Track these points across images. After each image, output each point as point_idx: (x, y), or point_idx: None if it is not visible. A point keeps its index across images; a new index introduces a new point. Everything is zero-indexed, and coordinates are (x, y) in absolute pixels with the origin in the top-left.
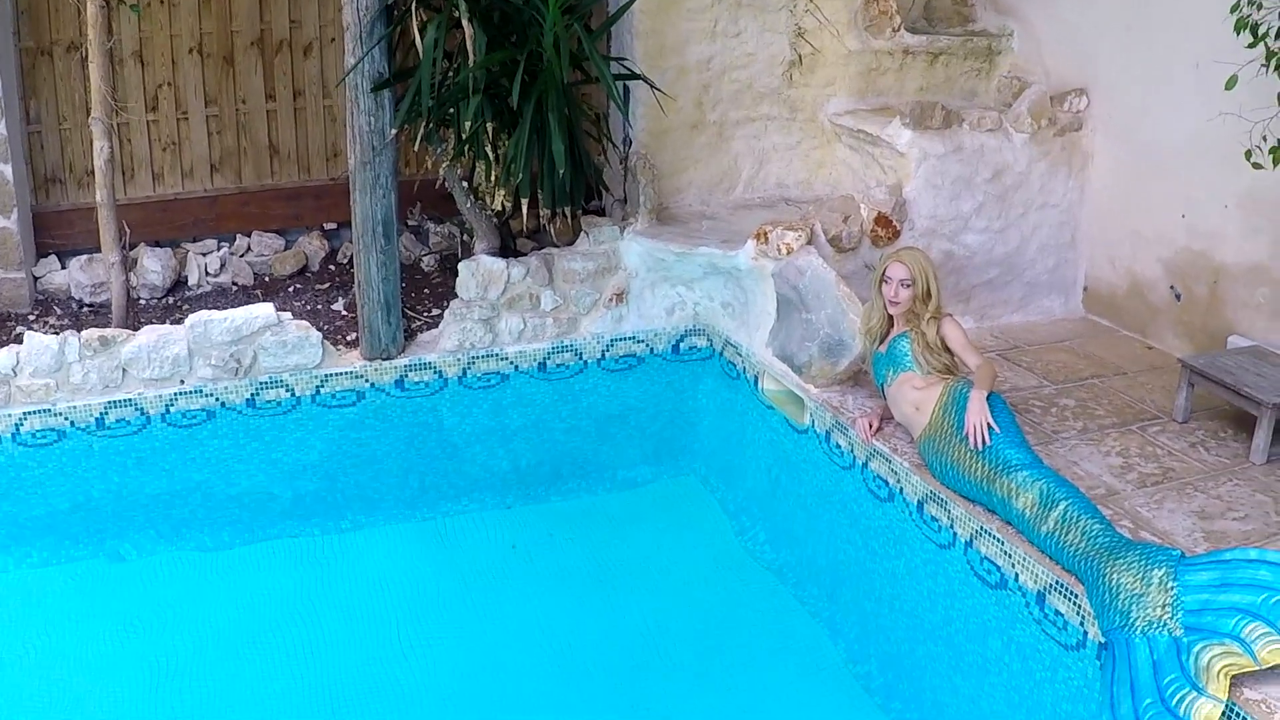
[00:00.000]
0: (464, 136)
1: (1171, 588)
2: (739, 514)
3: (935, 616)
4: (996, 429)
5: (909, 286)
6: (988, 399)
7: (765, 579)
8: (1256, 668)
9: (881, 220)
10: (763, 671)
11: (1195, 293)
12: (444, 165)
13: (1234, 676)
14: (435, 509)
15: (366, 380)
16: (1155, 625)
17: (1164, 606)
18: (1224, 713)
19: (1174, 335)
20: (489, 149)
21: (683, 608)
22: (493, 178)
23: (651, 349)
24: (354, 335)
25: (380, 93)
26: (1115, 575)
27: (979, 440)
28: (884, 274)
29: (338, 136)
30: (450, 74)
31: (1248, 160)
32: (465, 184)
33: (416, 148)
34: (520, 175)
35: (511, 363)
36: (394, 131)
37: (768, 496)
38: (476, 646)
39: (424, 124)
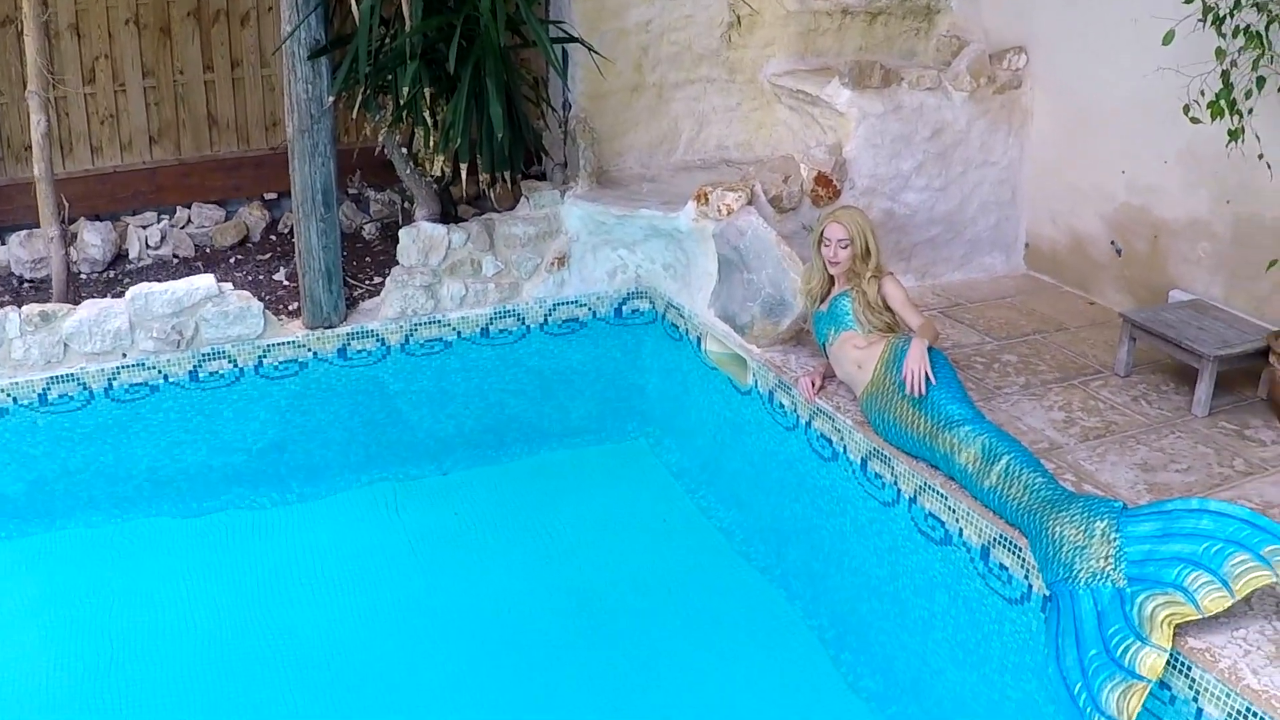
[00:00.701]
0: (402, 103)
1: (1114, 539)
2: (685, 475)
3: (881, 573)
4: (933, 380)
5: (847, 246)
6: (934, 357)
7: (713, 538)
8: (1200, 616)
9: (822, 180)
10: (713, 629)
11: (1136, 248)
12: (383, 132)
13: (1177, 626)
14: (381, 476)
15: (309, 350)
16: (1099, 576)
17: (1107, 558)
18: (1168, 662)
19: (1115, 290)
20: (427, 115)
21: (632, 568)
22: (431, 143)
23: (594, 312)
24: (296, 305)
25: (317, 60)
26: (1058, 528)
27: (916, 388)
28: (822, 235)
29: (276, 106)
30: (387, 40)
31: (1186, 115)
32: (404, 150)
33: (355, 115)
34: (459, 140)
35: (454, 329)
36: (331, 99)
37: (713, 457)
38: (425, 611)
39: (362, 91)
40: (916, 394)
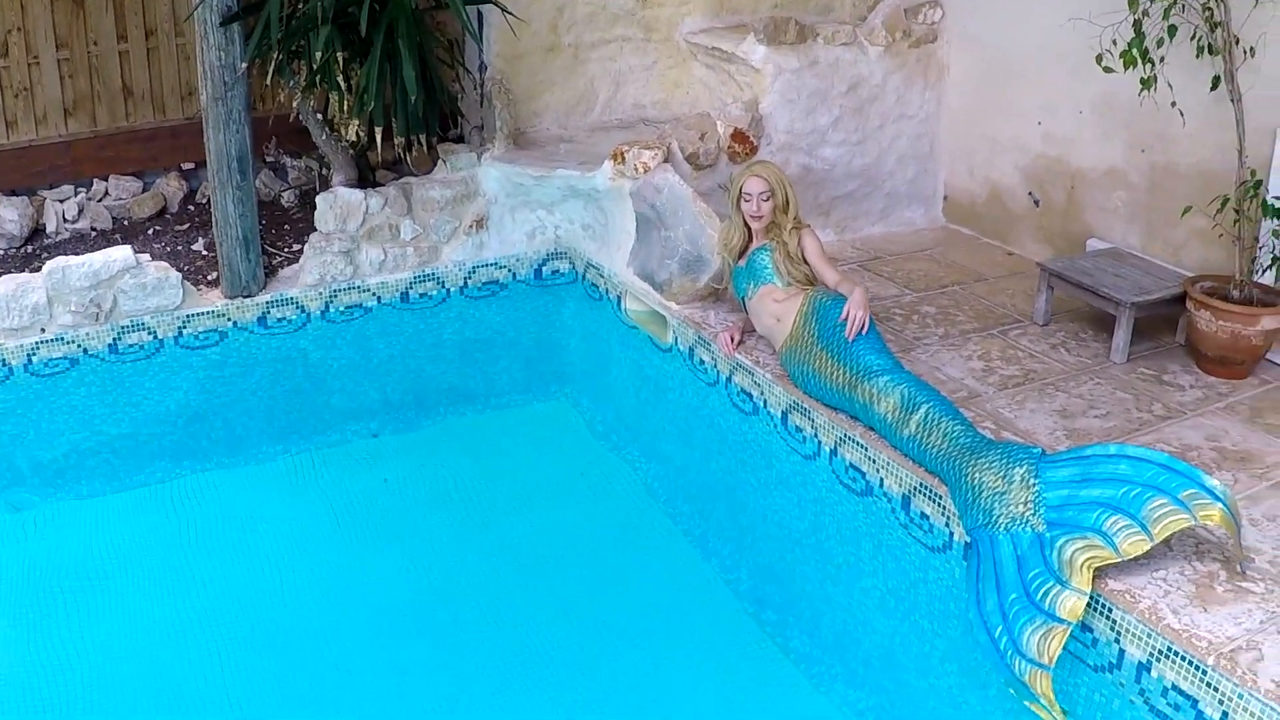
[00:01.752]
0: (315, 68)
1: (1033, 484)
2: (609, 434)
3: (804, 525)
4: (865, 330)
5: (769, 199)
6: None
7: (637, 496)
8: (1118, 559)
9: (738, 136)
10: (639, 587)
11: (1053, 198)
12: (297, 98)
13: (1097, 569)
14: (305, 444)
15: (229, 319)
16: (1018, 522)
17: (1026, 503)
18: (1088, 604)
19: (1034, 241)
20: (341, 79)
21: (557, 528)
22: (346, 108)
23: (514, 274)
24: (215, 275)
25: (229, 27)
26: (977, 475)
27: (855, 329)
28: (742, 191)
29: (192, 75)
30: (299, 5)
31: (1099, 65)
32: (319, 116)
33: (269, 82)
34: (373, 104)
35: (374, 294)
36: (244, 65)
37: (636, 415)
38: (353, 577)
39: (275, 57)
40: (852, 336)
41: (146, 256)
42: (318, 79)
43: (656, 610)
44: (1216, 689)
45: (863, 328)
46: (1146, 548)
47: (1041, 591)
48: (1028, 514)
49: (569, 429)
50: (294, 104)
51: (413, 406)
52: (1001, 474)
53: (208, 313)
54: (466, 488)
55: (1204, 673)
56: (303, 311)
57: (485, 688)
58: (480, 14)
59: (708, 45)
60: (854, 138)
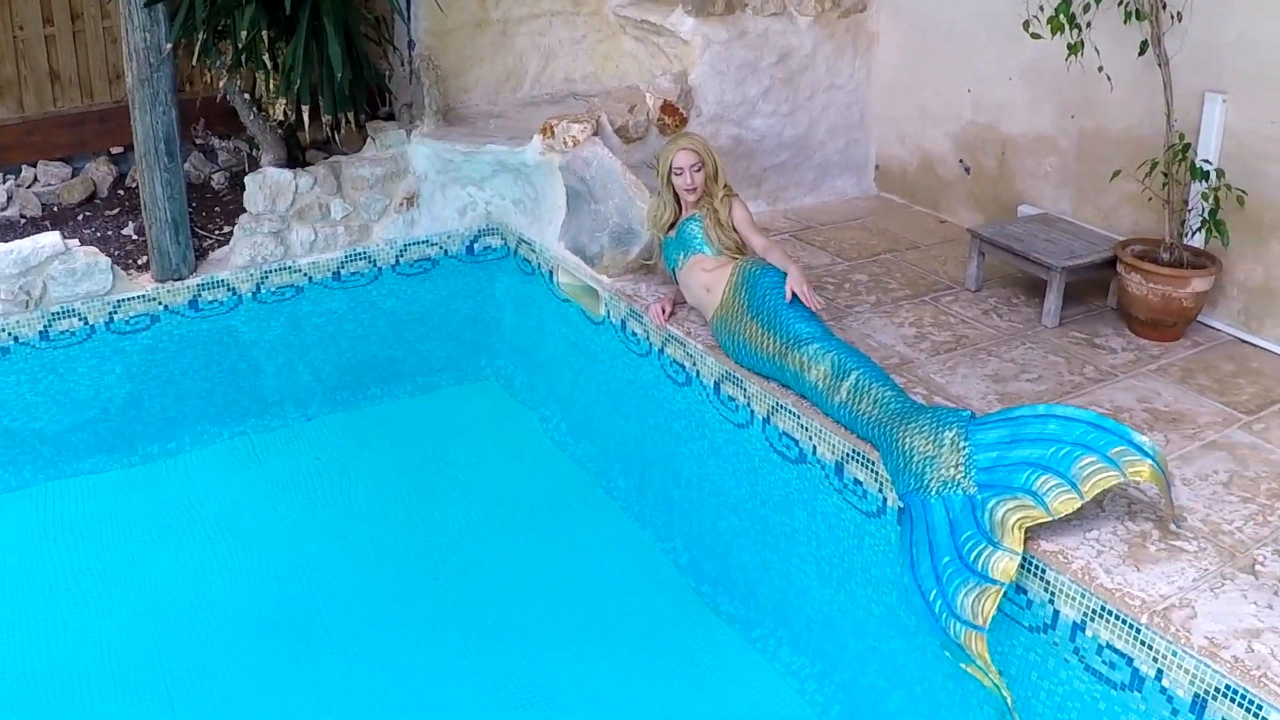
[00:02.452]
0: (241, 47)
1: (963, 447)
2: (543, 408)
3: (740, 493)
4: (814, 304)
5: (700, 169)
6: (780, 277)
7: (572, 471)
8: (1049, 518)
9: (668, 108)
10: (577, 559)
11: (984, 165)
12: (223, 78)
13: (1028, 529)
14: (240, 427)
15: (160, 303)
16: (949, 485)
17: (957, 466)
18: (1021, 565)
19: (966, 208)
20: (267, 58)
21: (495, 505)
22: (272, 87)
23: (446, 251)
24: (145, 259)
25: (154, 7)
26: (908, 439)
27: (813, 302)
28: (672, 165)
29: (119, 58)
30: None
31: (1027, 31)
32: (247, 96)
33: (195, 62)
34: (299, 83)
35: (305, 274)
36: (169, 46)
37: (570, 389)
38: (291, 559)
39: (200, 37)
40: (817, 306)
41: (76, 242)
42: (243, 58)
43: (595, 581)
44: (1150, 647)
45: (815, 300)
46: (1077, 505)
47: (974, 553)
48: (959, 477)
49: (503, 404)
50: (221, 85)
51: (347, 385)
52: (932, 438)
53: (138, 297)
54: (402, 465)
55: (1138, 631)
56: (234, 293)
57: (425, 663)
58: None
59: (636, 18)
60: (784, 108)
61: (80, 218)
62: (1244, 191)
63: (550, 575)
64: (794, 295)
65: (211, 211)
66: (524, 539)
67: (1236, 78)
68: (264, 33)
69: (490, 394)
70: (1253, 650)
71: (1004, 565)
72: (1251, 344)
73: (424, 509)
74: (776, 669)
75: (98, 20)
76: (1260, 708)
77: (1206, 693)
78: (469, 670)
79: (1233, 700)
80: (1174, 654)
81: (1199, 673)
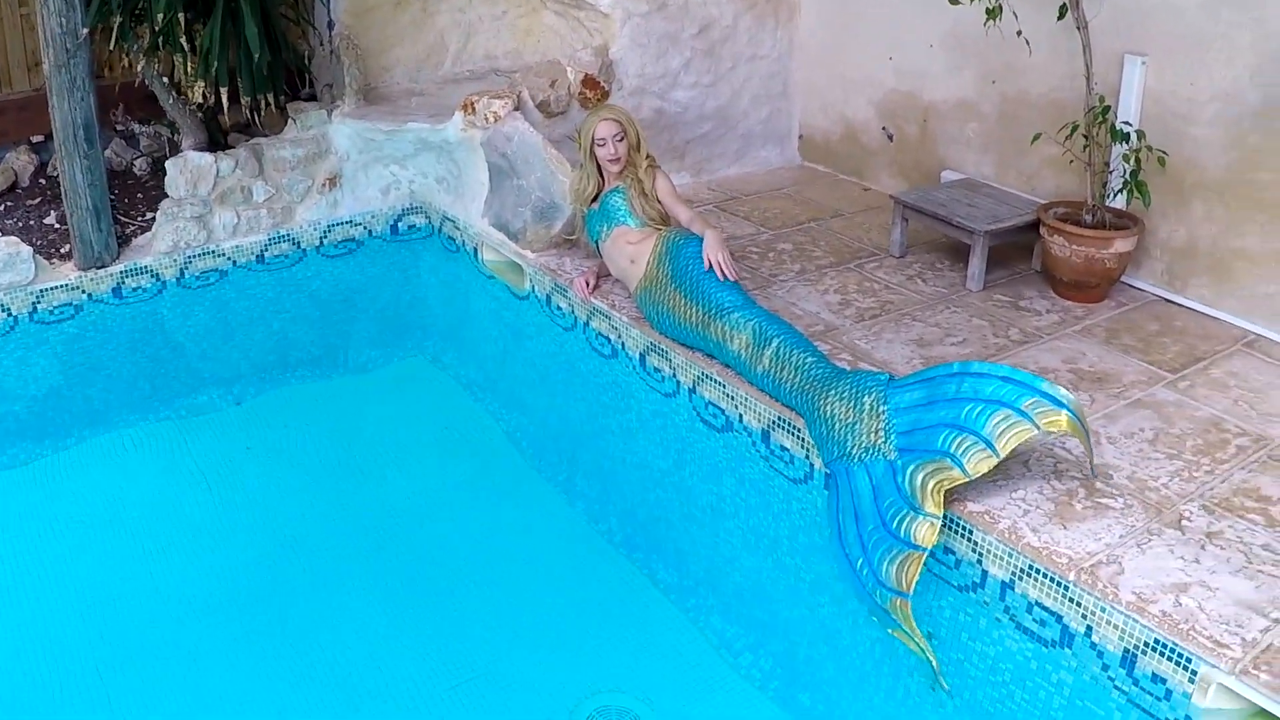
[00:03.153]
0: (157, 30)
1: (882, 412)
2: (471, 385)
3: (668, 463)
4: (731, 273)
5: (622, 139)
6: (701, 246)
7: (504, 445)
8: (967, 479)
9: (589, 82)
10: (509, 535)
11: (907, 132)
12: (141, 62)
13: (949, 491)
14: (168, 413)
15: (83, 291)
16: (871, 451)
17: (876, 431)
18: (948, 526)
19: (889, 175)
20: (184, 41)
21: (428, 482)
22: (190, 70)
23: (370, 231)
24: (68, 248)
25: None
26: (829, 406)
27: (730, 272)
28: (594, 137)
29: (38, 45)
30: None
31: None
32: (165, 80)
33: (112, 47)
34: (217, 65)
35: (229, 258)
36: (85, 31)
37: (498, 365)
38: (223, 545)
39: (116, 20)
40: (733, 278)
41: None
42: (161, 41)
43: (529, 555)
44: (1079, 603)
45: (732, 270)
46: (994, 464)
47: (897, 520)
48: (879, 442)
49: (431, 382)
50: (139, 69)
51: (274, 368)
52: (851, 404)
53: (61, 286)
54: (333, 445)
55: (1066, 588)
56: (158, 279)
57: (361, 643)
58: None
59: None
60: (706, 79)
61: (1, 208)
62: (1165, 153)
63: (485, 551)
64: (725, 267)
65: (134, 198)
66: (458, 515)
67: (1155, 40)
68: (180, 15)
69: (419, 372)
70: (1180, 604)
71: (925, 531)
72: (1175, 303)
73: (356, 488)
74: (708, 636)
75: (14, 7)
76: (1189, 660)
77: (1136, 647)
78: (405, 649)
79: (1161, 654)
80: (1103, 610)
81: (1128, 628)
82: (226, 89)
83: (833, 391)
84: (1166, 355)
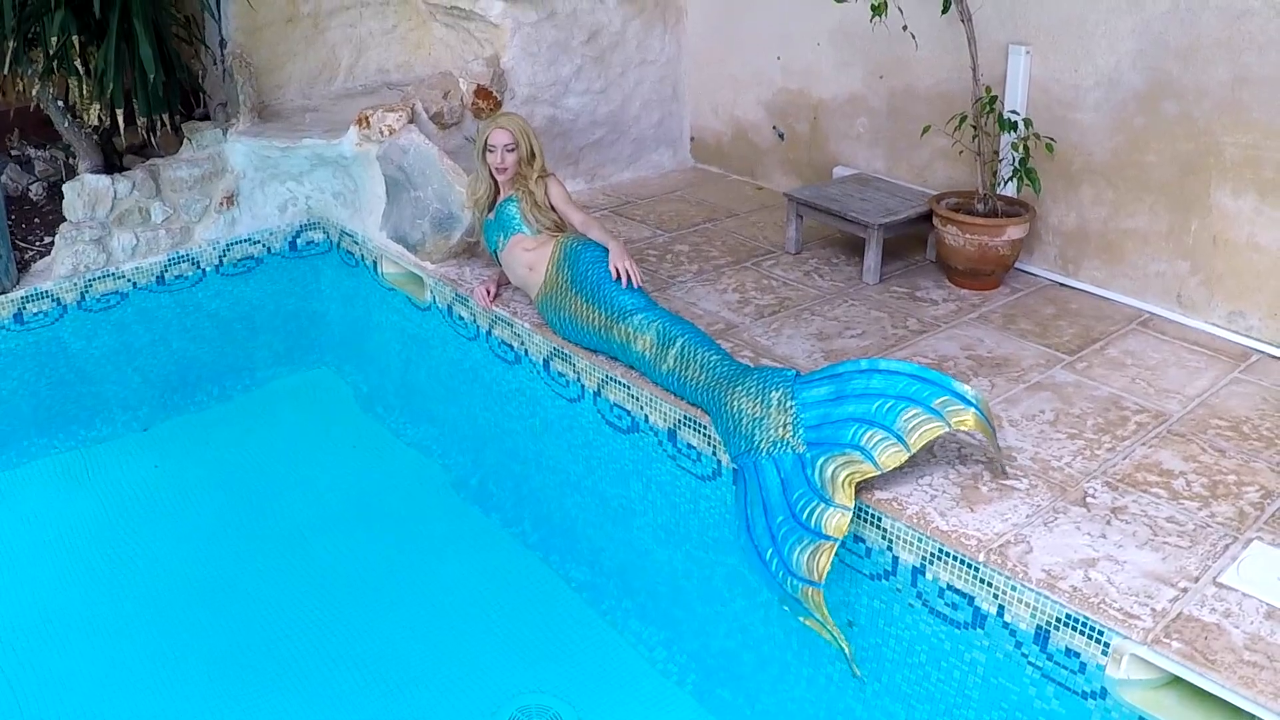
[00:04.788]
0: (52, 53)
1: (790, 407)
2: (376, 398)
3: (577, 468)
4: (636, 277)
5: (513, 150)
6: (601, 251)
7: (411, 456)
8: (878, 473)
9: (482, 93)
10: (425, 547)
11: (797, 130)
12: (36, 86)
13: (859, 483)
14: (72, 440)
15: None
16: (779, 445)
17: (785, 426)
18: (857, 515)
19: (782, 174)
20: (79, 63)
21: (338, 497)
22: (86, 92)
23: (269, 249)
24: None
25: None
26: (736, 402)
27: (635, 279)
28: (487, 143)
29: None
30: None
31: None
32: (61, 104)
33: (6, 71)
34: (112, 86)
35: (129, 280)
36: None
37: (402, 377)
38: (134, 571)
39: (10, 45)
40: (638, 284)
41: None
42: (55, 64)
43: (444, 565)
44: (990, 584)
45: (638, 277)
46: (904, 458)
47: (807, 511)
48: (787, 436)
49: (336, 398)
50: (34, 93)
51: (178, 389)
52: (759, 399)
53: None
54: (240, 467)
55: (976, 570)
56: (58, 304)
57: (273, 664)
58: None
59: (446, 4)
60: (597, 86)
61: None
62: (1052, 139)
63: (399, 560)
64: (631, 275)
65: (31, 223)
66: (371, 527)
67: (1038, 30)
68: (74, 37)
69: (324, 387)
70: (1089, 579)
71: (836, 521)
72: (1069, 286)
73: (266, 506)
74: (626, 637)
75: None
76: (1101, 632)
77: (1048, 623)
78: (324, 661)
79: (1073, 628)
80: (1013, 589)
81: (1039, 605)
82: (122, 110)
83: (739, 387)
84: (1063, 338)
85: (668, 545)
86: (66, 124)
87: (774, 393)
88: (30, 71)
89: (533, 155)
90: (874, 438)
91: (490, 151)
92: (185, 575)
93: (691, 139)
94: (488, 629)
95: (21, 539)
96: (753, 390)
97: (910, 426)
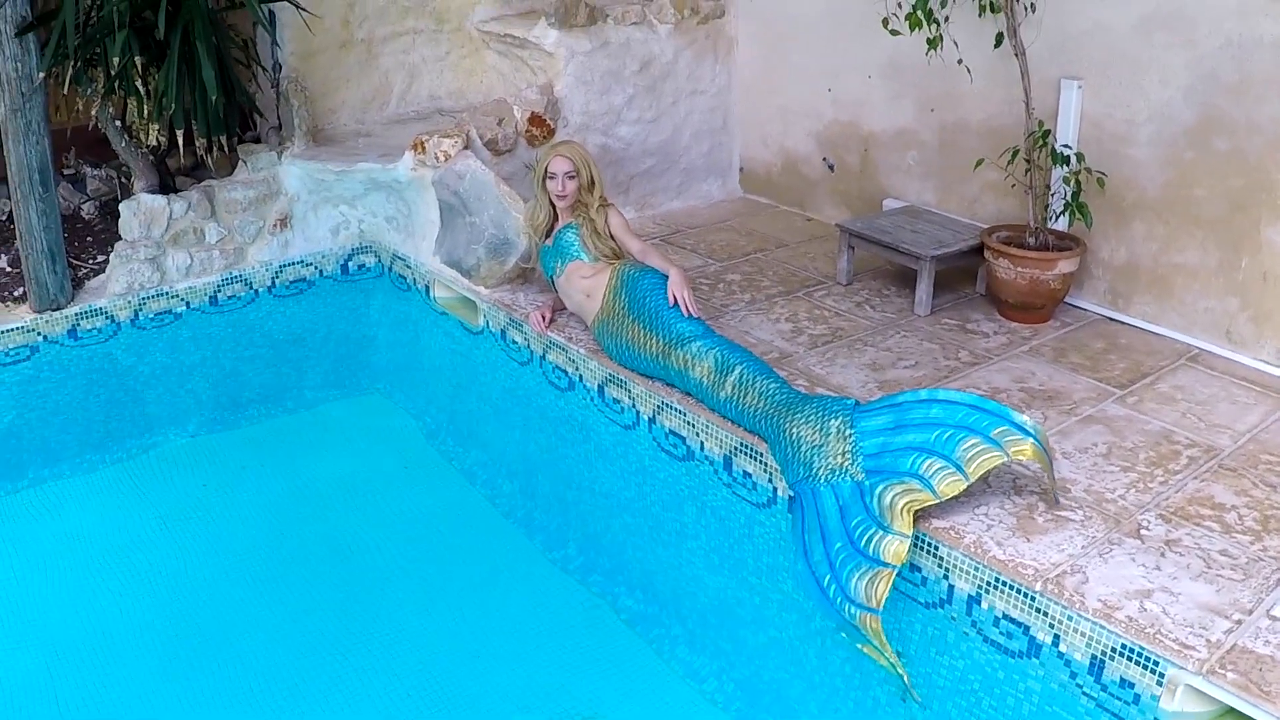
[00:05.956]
0: (113, 74)
1: (849, 435)
2: (426, 422)
3: (629, 494)
4: (694, 308)
5: (574, 178)
6: (659, 278)
7: (458, 482)
8: (937, 501)
9: (535, 120)
10: (470, 570)
11: (848, 162)
12: (95, 106)
13: (917, 511)
14: (122, 454)
15: (38, 333)
16: (837, 473)
17: (844, 454)
18: (914, 544)
19: (831, 205)
20: (140, 84)
21: (384, 518)
22: (145, 113)
23: (321, 271)
24: (22, 290)
25: (25, 36)
26: (794, 430)
27: (691, 309)
28: (547, 170)
29: None
30: (94, 11)
31: (885, 28)
32: (119, 124)
33: (66, 90)
34: (172, 107)
35: (183, 299)
36: (42, 75)
37: (452, 402)
38: (181, 583)
39: (72, 65)
40: (694, 314)
41: None
42: (116, 85)
43: (490, 592)
44: (1046, 613)
45: (694, 307)
46: (963, 487)
47: (865, 538)
48: (846, 464)
49: (386, 421)
50: (93, 112)
51: (229, 408)
52: (818, 427)
53: (17, 328)
54: (288, 487)
55: (1032, 599)
56: (112, 321)
57: (324, 679)
58: (272, 13)
59: (500, 32)
60: (649, 115)
61: None
62: (1104, 174)
63: (445, 587)
64: (689, 304)
65: (83, 241)
66: (417, 551)
67: (1090, 64)
68: (136, 59)
69: (373, 409)
70: (1145, 609)
71: (895, 548)
72: (1119, 321)
73: (313, 525)
74: (674, 667)
75: None
76: (1156, 663)
77: (1103, 653)
78: (368, 685)
79: (1129, 659)
80: (1069, 619)
81: (1095, 635)
82: (182, 131)
83: (798, 415)
84: (1114, 372)
85: (719, 569)
86: (124, 144)
87: (833, 421)
88: (90, 91)
89: (592, 183)
90: (933, 466)
91: (550, 179)
92: (232, 592)
93: (740, 169)
94: (531, 654)
95: (70, 552)
96: (812, 418)
97: (969, 456)
